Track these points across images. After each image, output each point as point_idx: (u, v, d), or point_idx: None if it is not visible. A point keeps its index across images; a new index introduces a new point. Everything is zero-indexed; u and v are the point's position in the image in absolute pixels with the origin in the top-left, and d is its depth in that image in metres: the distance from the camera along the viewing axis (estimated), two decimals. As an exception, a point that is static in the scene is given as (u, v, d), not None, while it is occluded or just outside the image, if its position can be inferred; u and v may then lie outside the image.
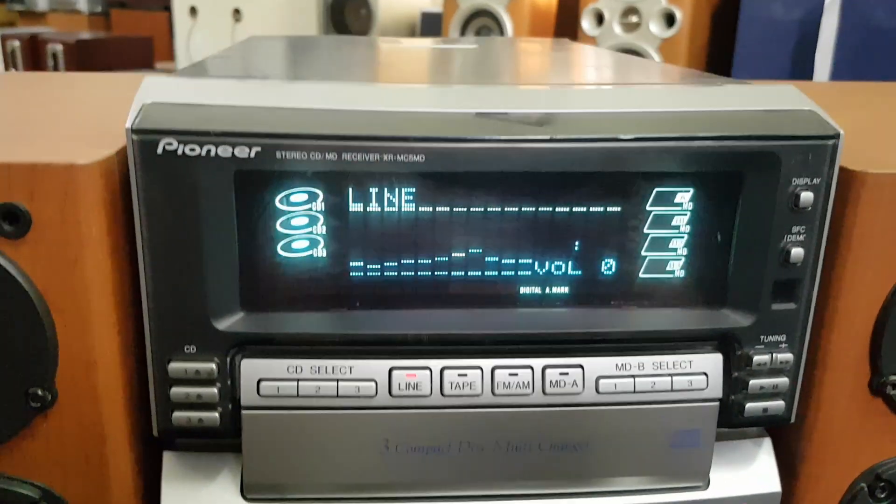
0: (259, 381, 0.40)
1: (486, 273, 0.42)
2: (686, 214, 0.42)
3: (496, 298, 0.42)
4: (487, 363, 0.41)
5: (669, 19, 1.94)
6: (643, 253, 0.42)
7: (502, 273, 0.42)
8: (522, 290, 0.43)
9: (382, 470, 0.42)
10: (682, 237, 0.42)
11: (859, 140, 0.44)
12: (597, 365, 0.42)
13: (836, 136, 0.39)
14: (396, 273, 0.41)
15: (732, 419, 0.43)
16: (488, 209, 0.41)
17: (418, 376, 0.41)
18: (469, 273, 0.42)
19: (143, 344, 0.39)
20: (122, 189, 0.39)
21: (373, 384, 0.41)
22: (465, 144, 0.38)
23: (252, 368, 0.40)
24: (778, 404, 0.43)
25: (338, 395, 0.41)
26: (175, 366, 0.39)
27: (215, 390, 0.40)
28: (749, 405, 0.43)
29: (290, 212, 0.40)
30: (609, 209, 0.41)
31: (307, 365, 0.40)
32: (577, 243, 0.42)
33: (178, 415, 0.40)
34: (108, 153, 0.38)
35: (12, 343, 0.38)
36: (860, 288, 0.43)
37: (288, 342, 0.41)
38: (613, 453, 0.43)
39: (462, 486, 0.44)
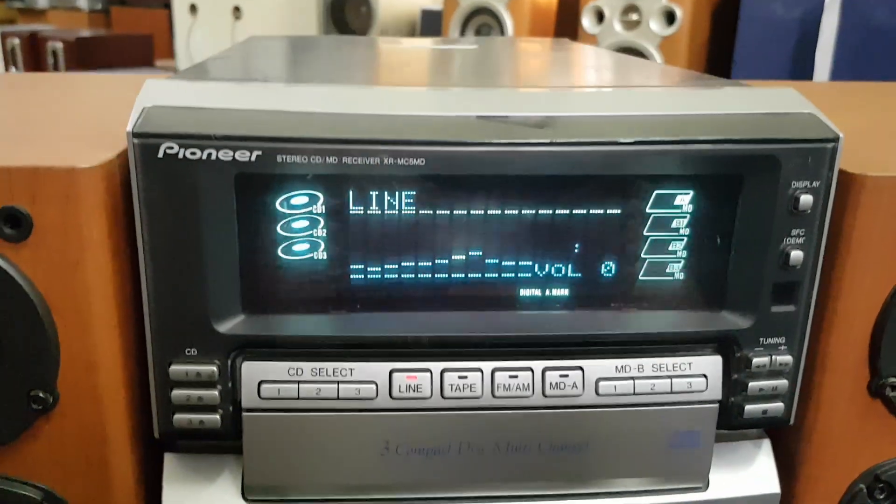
0: (260, 384, 0.40)
1: (486, 275, 0.42)
2: (686, 217, 0.42)
3: (496, 301, 0.43)
4: (488, 365, 0.41)
5: (670, 17, 1.93)
6: (643, 255, 0.42)
7: (502, 275, 0.42)
8: (522, 292, 0.43)
9: (383, 471, 0.43)
10: (682, 240, 0.42)
11: (859, 142, 0.44)
12: (597, 367, 0.42)
13: (836, 139, 0.39)
14: (397, 275, 0.41)
15: (732, 421, 0.44)
16: (488, 212, 0.41)
17: (419, 378, 0.41)
18: (469, 275, 0.42)
19: (145, 346, 0.40)
20: (123, 192, 0.39)
21: (373, 386, 0.41)
22: (465, 148, 0.38)
23: (253, 370, 0.40)
24: (777, 406, 0.43)
25: (338, 398, 0.41)
26: (176, 368, 0.39)
27: (216, 392, 0.40)
28: (748, 407, 0.43)
29: (290, 215, 0.40)
30: (609, 212, 0.41)
31: (308, 367, 0.40)
32: (576, 246, 0.42)
33: (179, 417, 0.40)
34: (108, 156, 0.38)
35: (14, 345, 0.38)
36: (859, 290, 0.43)
37: (288, 344, 0.41)
38: (613, 455, 0.44)
39: (462, 488, 0.44)
